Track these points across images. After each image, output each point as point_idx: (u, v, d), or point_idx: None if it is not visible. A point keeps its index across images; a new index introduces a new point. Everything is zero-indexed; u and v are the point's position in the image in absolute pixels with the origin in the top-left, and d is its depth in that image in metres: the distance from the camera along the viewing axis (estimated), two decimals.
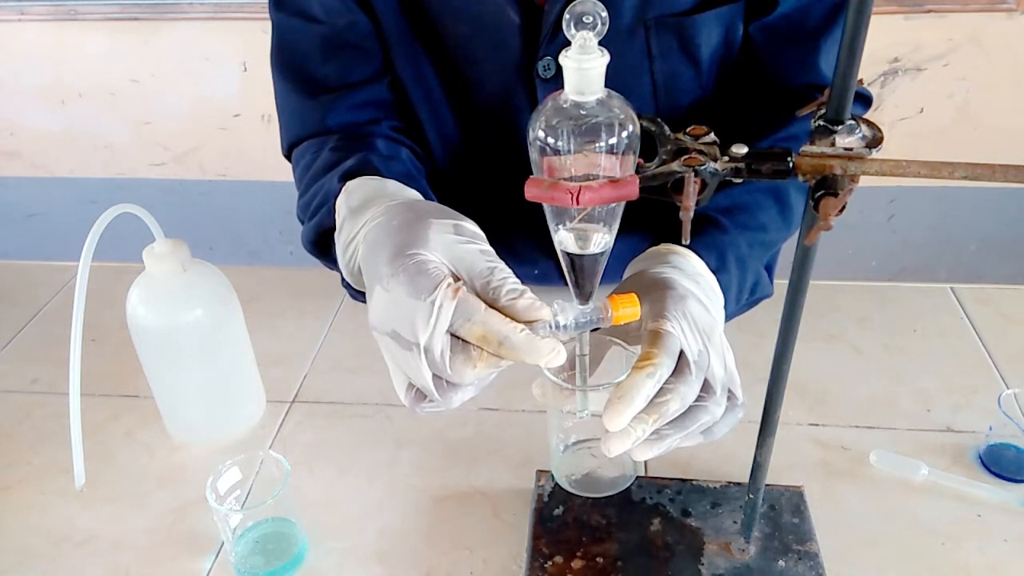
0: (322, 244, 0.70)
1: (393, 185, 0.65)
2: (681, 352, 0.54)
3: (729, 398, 0.57)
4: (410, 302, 0.48)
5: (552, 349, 0.48)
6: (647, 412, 0.53)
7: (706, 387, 0.55)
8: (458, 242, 0.52)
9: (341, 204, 0.64)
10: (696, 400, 0.55)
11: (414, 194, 0.65)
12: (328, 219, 0.66)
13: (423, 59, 0.79)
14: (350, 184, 0.66)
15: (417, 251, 0.51)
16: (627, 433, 0.52)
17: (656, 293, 0.57)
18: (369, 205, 0.61)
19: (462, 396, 0.52)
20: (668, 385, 0.53)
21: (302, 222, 0.74)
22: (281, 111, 0.83)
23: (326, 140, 0.78)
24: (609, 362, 0.60)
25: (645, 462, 0.75)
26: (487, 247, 0.53)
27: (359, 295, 0.63)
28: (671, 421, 0.54)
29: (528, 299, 0.50)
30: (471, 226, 0.54)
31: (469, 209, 0.80)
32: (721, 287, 0.64)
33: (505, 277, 0.50)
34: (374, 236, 0.55)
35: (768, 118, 0.76)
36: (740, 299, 0.69)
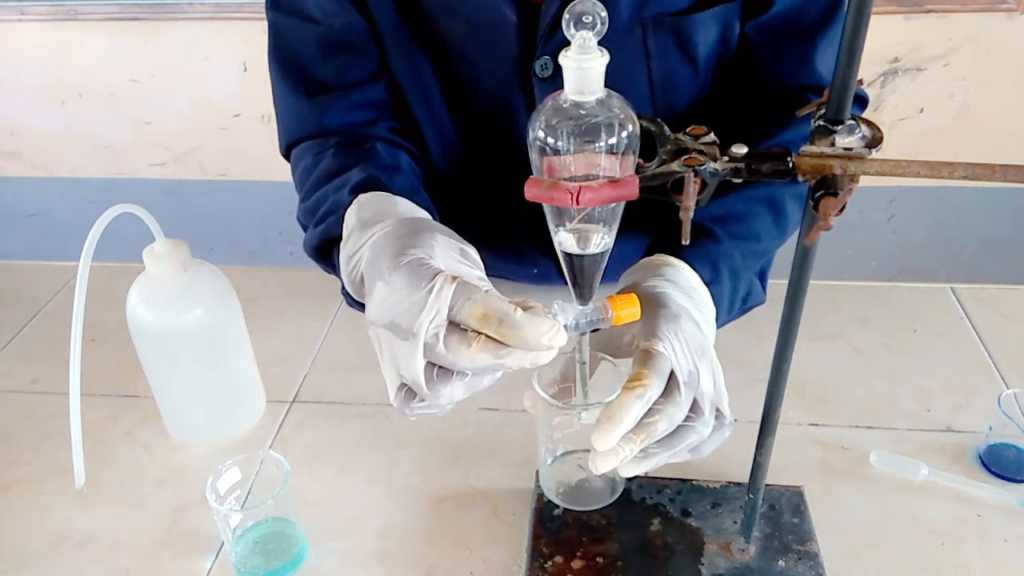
0: (325, 251, 0.70)
1: (404, 204, 0.66)
2: (671, 372, 0.54)
3: (717, 417, 0.58)
4: (410, 293, 0.49)
5: (552, 326, 0.48)
6: (635, 432, 0.53)
7: (695, 407, 0.56)
8: (460, 262, 0.53)
9: (351, 215, 0.65)
10: (684, 420, 0.55)
11: (424, 214, 0.66)
12: (335, 228, 0.66)
13: (420, 59, 0.79)
14: (362, 197, 0.66)
15: (420, 252, 0.52)
16: (615, 452, 0.53)
17: (650, 311, 0.57)
18: (378, 220, 0.61)
19: (451, 392, 0.51)
20: (657, 406, 0.54)
21: (304, 227, 0.74)
22: (279, 111, 0.83)
23: (325, 142, 0.78)
24: (599, 378, 0.61)
25: None
26: (484, 275, 0.54)
27: (357, 305, 0.63)
28: (659, 440, 0.55)
29: (520, 298, 0.50)
30: (474, 254, 0.55)
31: (468, 208, 0.82)
32: (714, 299, 0.64)
33: (499, 295, 0.51)
34: (381, 243, 0.56)
35: (765, 121, 0.76)
36: (732, 310, 0.69)
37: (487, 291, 0.50)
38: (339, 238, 0.65)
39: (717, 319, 0.64)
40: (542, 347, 0.48)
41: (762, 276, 0.75)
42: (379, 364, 0.53)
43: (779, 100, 0.76)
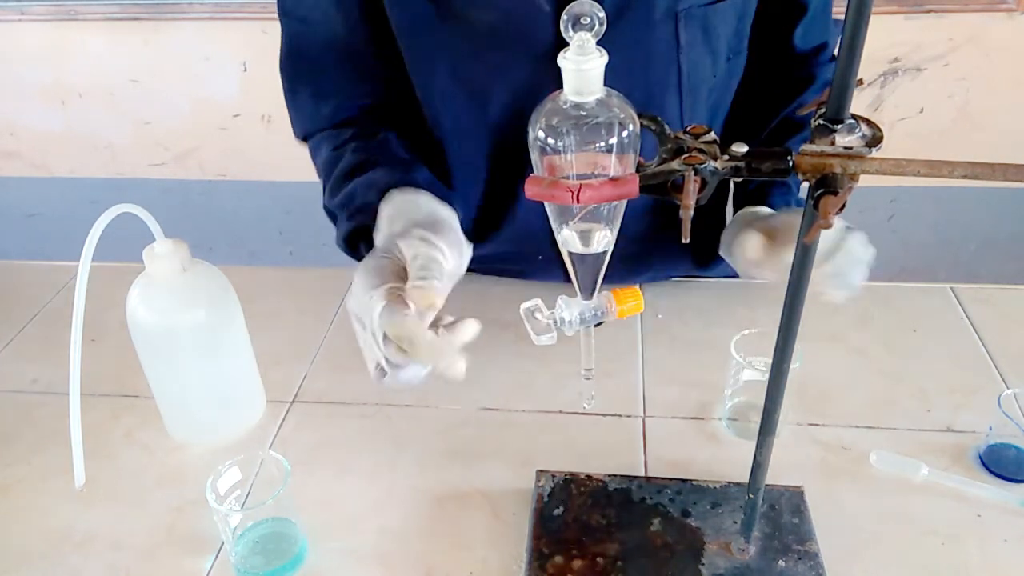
0: (353, 244, 0.78)
1: (426, 203, 0.71)
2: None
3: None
4: (362, 294, 0.59)
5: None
6: None
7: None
8: (422, 244, 0.61)
9: (381, 219, 0.71)
10: None
11: (443, 211, 0.71)
12: (364, 221, 0.74)
13: (444, 48, 0.80)
14: (390, 196, 0.72)
15: (385, 253, 0.62)
16: None
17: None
18: (402, 216, 0.69)
19: (407, 375, 0.59)
20: None
21: (332, 216, 0.82)
22: (289, 108, 0.87)
23: (340, 134, 0.82)
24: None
25: (645, 462, 0.76)
26: (436, 251, 0.61)
27: None
28: None
29: (423, 284, 0.57)
30: (451, 254, 0.62)
31: (482, 194, 0.89)
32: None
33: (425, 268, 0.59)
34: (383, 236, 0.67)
35: (783, 89, 0.85)
36: None
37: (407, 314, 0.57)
38: (367, 231, 0.72)
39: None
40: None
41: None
42: None
43: (794, 65, 0.85)
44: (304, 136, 0.88)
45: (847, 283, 0.69)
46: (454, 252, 0.62)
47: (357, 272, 0.61)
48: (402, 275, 0.60)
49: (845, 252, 0.68)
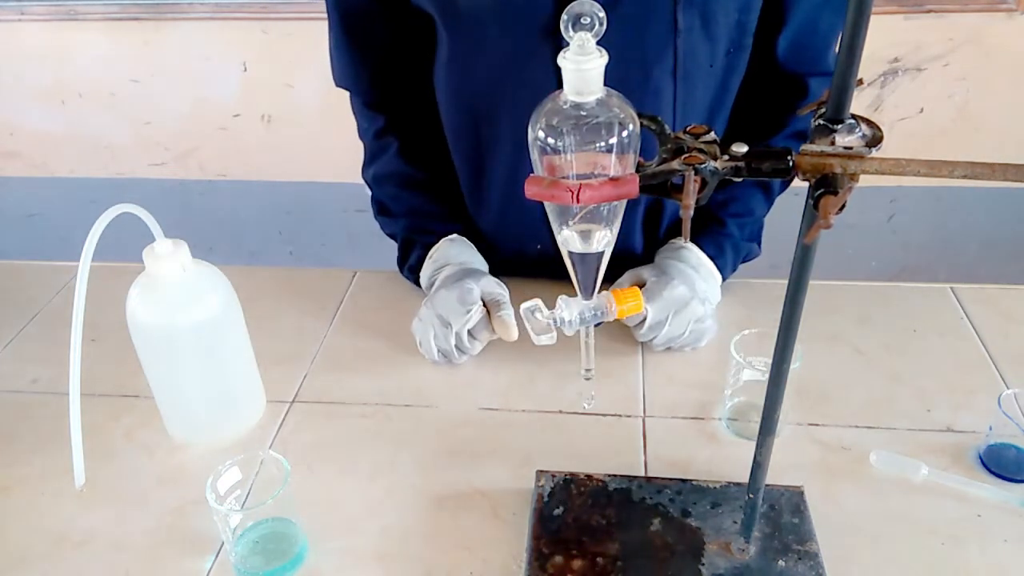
0: (401, 261, 1.00)
1: (462, 255, 0.94)
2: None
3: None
4: (457, 305, 0.84)
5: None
6: None
7: None
8: (495, 283, 0.87)
9: (428, 265, 0.95)
10: None
11: (475, 262, 0.94)
12: (413, 257, 0.97)
13: (439, 21, 0.82)
14: (439, 245, 0.95)
15: (472, 283, 0.85)
16: None
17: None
18: (445, 263, 0.93)
19: (464, 357, 0.87)
20: None
21: (382, 220, 1.01)
22: (331, 55, 0.94)
23: (404, 175, 0.96)
24: None
25: (645, 462, 0.75)
26: (503, 291, 0.87)
27: (419, 285, 0.97)
28: None
29: (504, 315, 0.84)
30: (500, 289, 0.87)
31: (480, 181, 0.96)
32: (719, 268, 0.92)
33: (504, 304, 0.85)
34: (451, 271, 0.91)
35: (779, 108, 0.87)
36: (735, 268, 0.96)
37: (497, 300, 0.85)
38: (414, 260, 0.97)
39: (723, 276, 0.93)
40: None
41: (758, 233, 0.99)
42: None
43: (792, 88, 0.87)
44: (338, 85, 0.95)
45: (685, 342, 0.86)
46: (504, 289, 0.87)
47: (444, 291, 0.86)
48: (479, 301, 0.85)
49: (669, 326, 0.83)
